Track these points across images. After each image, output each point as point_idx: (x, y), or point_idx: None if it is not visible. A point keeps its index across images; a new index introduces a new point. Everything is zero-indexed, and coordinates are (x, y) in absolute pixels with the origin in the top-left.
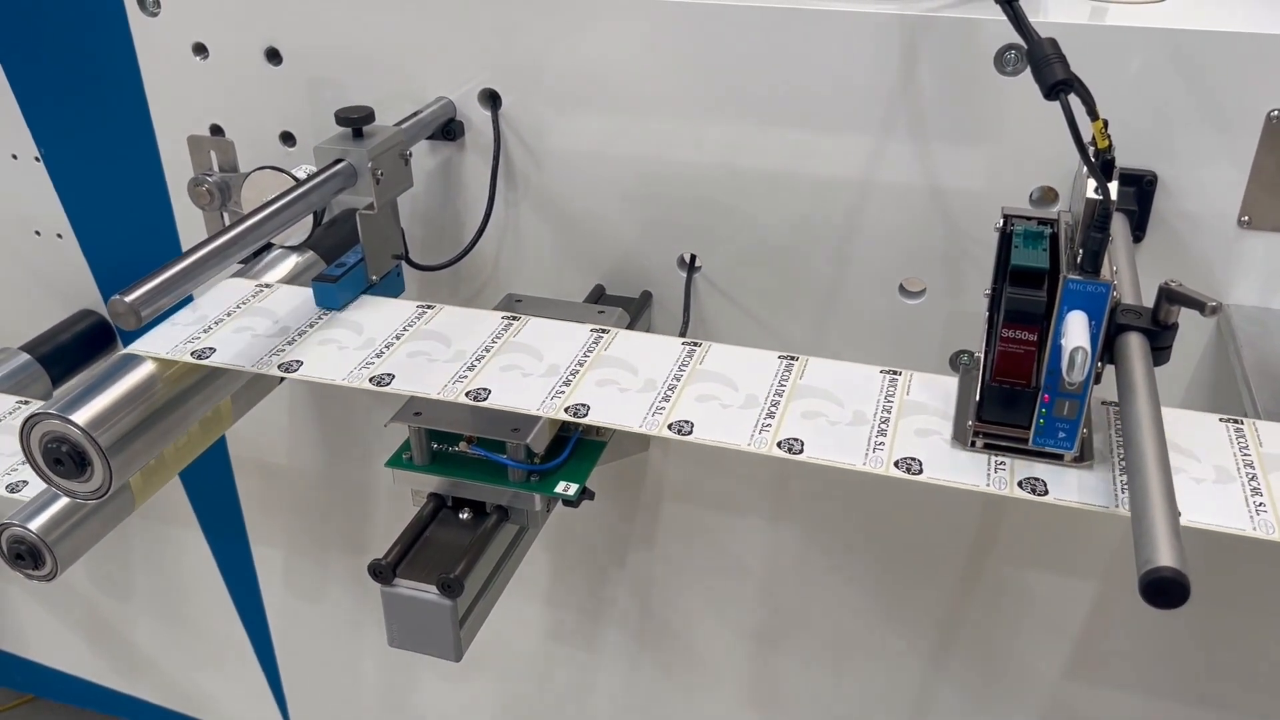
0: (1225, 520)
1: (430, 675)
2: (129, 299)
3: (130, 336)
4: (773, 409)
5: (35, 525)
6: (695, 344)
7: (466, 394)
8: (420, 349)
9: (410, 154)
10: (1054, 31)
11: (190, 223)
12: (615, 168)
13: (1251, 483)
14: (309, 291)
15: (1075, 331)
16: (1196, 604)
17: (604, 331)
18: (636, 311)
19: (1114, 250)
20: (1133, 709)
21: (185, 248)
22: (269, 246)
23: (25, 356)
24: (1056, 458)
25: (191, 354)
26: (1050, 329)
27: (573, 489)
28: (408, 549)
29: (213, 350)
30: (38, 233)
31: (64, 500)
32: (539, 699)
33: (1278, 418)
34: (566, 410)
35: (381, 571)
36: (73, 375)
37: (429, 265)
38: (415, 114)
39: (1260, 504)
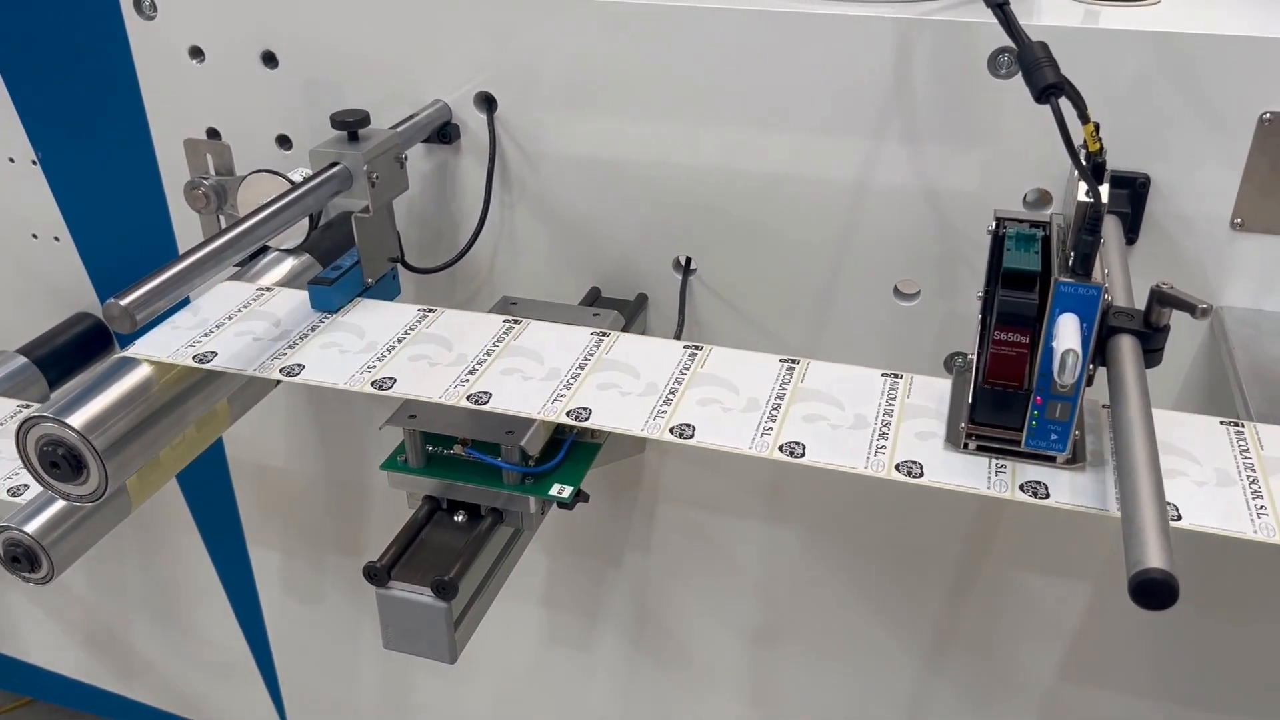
0: (1226, 523)
1: (427, 676)
2: (124, 303)
3: (127, 339)
4: (774, 412)
5: (31, 528)
6: (697, 347)
7: (468, 397)
8: (422, 352)
9: (405, 157)
10: (1047, 34)
11: (187, 226)
12: (611, 171)
13: (1252, 485)
14: (384, 305)
15: (1066, 334)
16: (1192, 605)
17: (604, 335)
18: (632, 314)
19: (1106, 253)
20: (1128, 710)
21: (182, 251)
22: (265, 249)
23: (22, 359)
24: (1049, 460)
25: (193, 358)
26: (1042, 331)
27: (567, 491)
28: (402, 551)
29: (214, 354)
30: (35, 236)
31: (60, 503)
32: (536, 700)
33: (1271, 420)
34: (568, 414)
35: (376, 574)
36: (70, 378)
37: (425, 268)
38: (411, 117)
39: (1261, 507)
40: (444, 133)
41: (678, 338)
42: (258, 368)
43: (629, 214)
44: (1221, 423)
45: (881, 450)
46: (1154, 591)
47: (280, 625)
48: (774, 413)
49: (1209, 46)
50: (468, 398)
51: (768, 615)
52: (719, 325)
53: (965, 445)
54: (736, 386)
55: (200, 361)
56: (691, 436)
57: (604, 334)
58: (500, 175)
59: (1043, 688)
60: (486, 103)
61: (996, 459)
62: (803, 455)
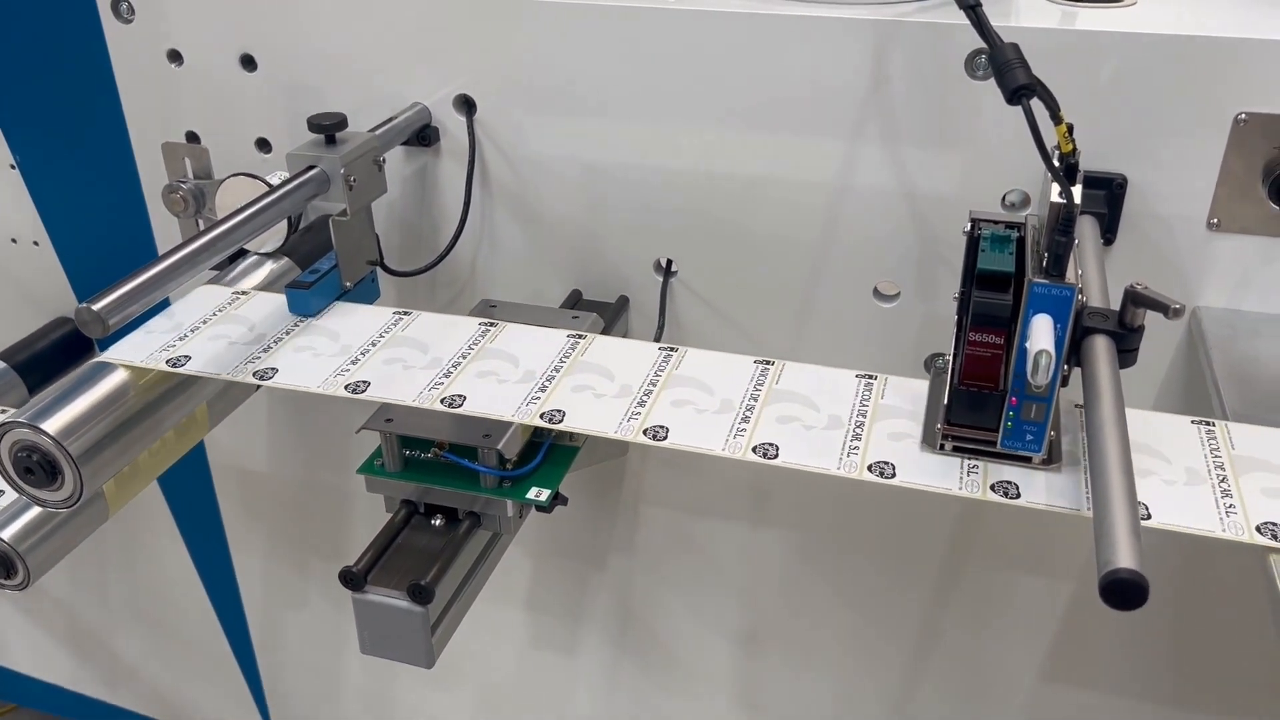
0: (1195, 522)
1: (412, 681)
2: (96, 307)
3: (108, 344)
4: (748, 413)
5: (7, 534)
6: (672, 349)
7: (442, 401)
8: (397, 356)
9: (384, 160)
10: (1025, 36)
11: (167, 230)
12: (591, 173)
13: (1222, 484)
14: (360, 309)
15: (1040, 335)
16: (1172, 604)
17: (581, 337)
18: (613, 316)
19: (1082, 253)
20: (1112, 710)
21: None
22: (244, 253)
23: (1, 365)
24: (1025, 460)
25: (167, 362)
26: (1016, 332)
27: (545, 495)
28: (379, 555)
29: (188, 358)
30: (14, 240)
31: (36, 509)
32: (520, 703)
33: (1246, 419)
34: (542, 416)
35: (353, 578)
36: (50, 384)
37: (404, 271)
38: (389, 120)
39: (1230, 505)
40: (423, 136)
41: (658, 340)
42: (232, 371)
43: (610, 216)
44: (1192, 422)
45: (854, 451)
46: (1123, 591)
47: (264, 630)
48: (748, 414)
49: (1184, 47)
50: (442, 401)
51: (751, 617)
52: (700, 327)
53: (941, 446)
54: (711, 388)
55: (174, 365)
56: (665, 438)
57: (580, 336)
58: (480, 178)
59: (1026, 687)
60: (466, 105)
61: (969, 459)
62: (776, 456)
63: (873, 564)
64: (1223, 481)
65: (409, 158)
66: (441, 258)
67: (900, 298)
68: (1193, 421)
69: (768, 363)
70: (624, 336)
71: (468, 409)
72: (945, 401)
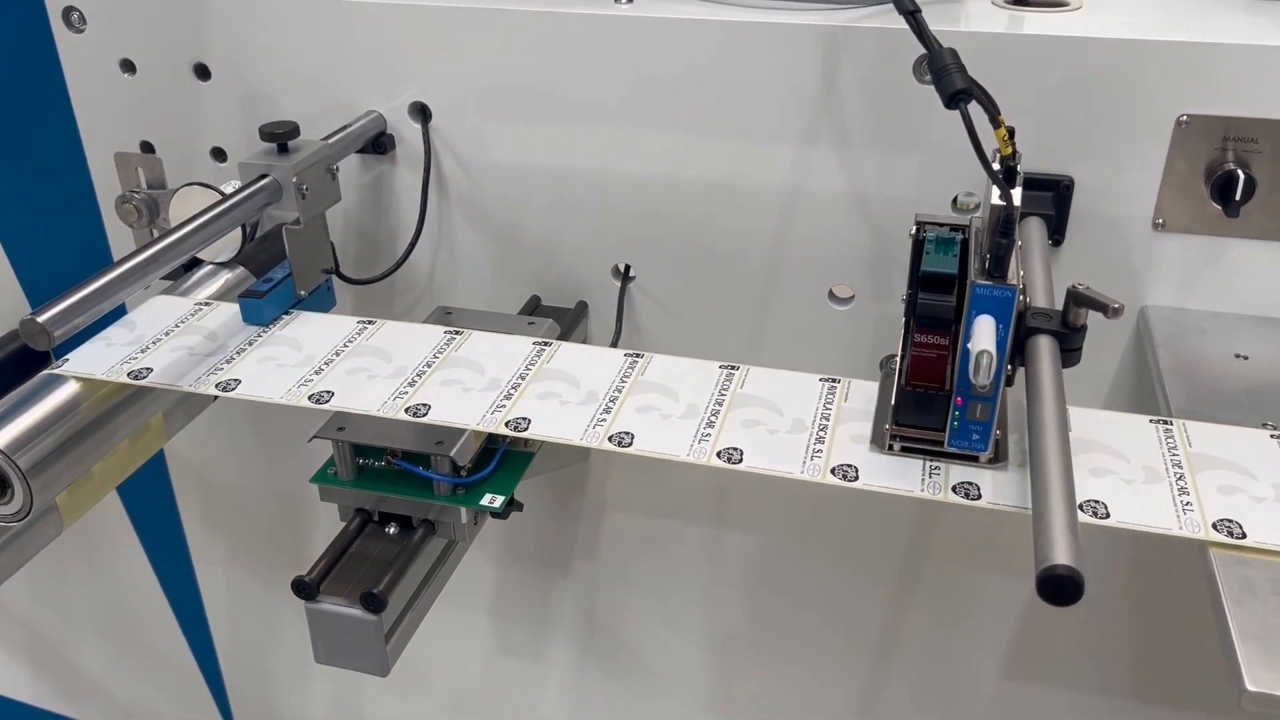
0: (1153, 520)
1: (379, 690)
2: (41, 319)
3: (64, 353)
4: (713, 419)
5: None
6: (637, 355)
7: (406, 410)
8: (360, 365)
9: (337, 168)
10: (973, 41)
11: (123, 240)
12: (549, 179)
13: (1179, 483)
14: (320, 318)
15: (982, 335)
16: (1129, 599)
17: (546, 344)
18: (572, 322)
19: (1028, 255)
20: (1073, 706)
21: None
22: (199, 262)
23: None
24: (972, 459)
25: (128, 374)
26: (960, 333)
27: (499, 501)
28: (332, 565)
29: (149, 370)
30: None
31: None
32: (488, 711)
33: (1191, 415)
34: (507, 424)
35: (305, 588)
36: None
37: (360, 279)
38: (344, 128)
39: (1187, 503)
40: (379, 143)
41: (615, 345)
42: (194, 384)
43: (568, 222)
44: (1150, 420)
45: (818, 454)
46: (1059, 588)
47: (228, 640)
48: (713, 419)
49: (1127, 51)
50: (406, 410)
51: (717, 620)
52: (658, 332)
53: (890, 446)
54: (676, 393)
55: (135, 378)
56: (630, 444)
57: (545, 343)
58: (437, 185)
59: (990, 684)
60: (421, 113)
61: (931, 461)
62: (740, 461)
63: (836, 565)
64: (1180, 479)
65: (365, 166)
66: (398, 265)
67: (855, 300)
68: (1151, 420)
69: (733, 368)
70: (583, 342)
71: (432, 418)
72: (893, 402)
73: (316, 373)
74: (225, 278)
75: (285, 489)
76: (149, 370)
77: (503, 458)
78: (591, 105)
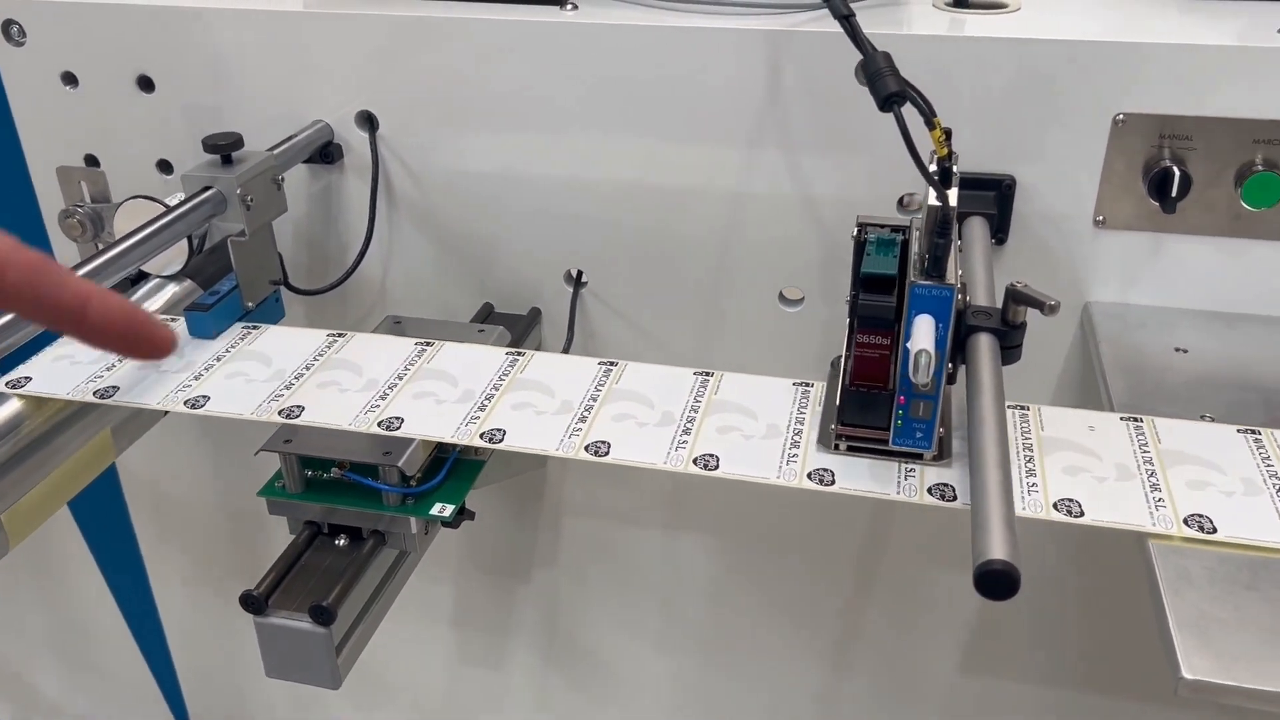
0: (1127, 518)
1: (341, 704)
2: None
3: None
4: (689, 425)
5: None
6: (612, 364)
7: (380, 424)
8: (331, 379)
9: (283, 179)
10: (915, 44)
11: (67, 256)
12: (499, 186)
13: (1151, 479)
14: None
15: (920, 335)
16: (1079, 592)
17: (520, 354)
18: (525, 329)
19: (970, 254)
20: (1030, 699)
21: None
22: (145, 276)
23: None
24: (916, 457)
25: (94, 394)
26: (901, 333)
27: (449, 510)
28: (281, 578)
29: (115, 389)
30: None
31: None
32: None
33: (1133, 410)
34: (482, 436)
35: (253, 602)
36: None
37: (309, 290)
38: (289, 138)
39: (1159, 500)
40: (326, 153)
41: (566, 351)
42: (161, 401)
43: (519, 229)
44: (1122, 418)
45: (794, 459)
46: (996, 582)
47: (187, 657)
48: (689, 425)
49: (1064, 51)
50: (379, 424)
51: (677, 623)
52: (612, 337)
53: (836, 446)
54: (651, 401)
55: (101, 397)
56: (607, 454)
57: (519, 353)
58: (386, 194)
59: (948, 679)
60: (368, 122)
61: (906, 464)
62: (716, 468)
63: (793, 565)
64: (1151, 476)
65: (313, 175)
66: (347, 275)
67: (805, 302)
68: (1122, 418)
69: (707, 374)
70: (537, 348)
71: (405, 431)
72: (838, 402)
73: (287, 388)
74: (172, 291)
75: (241, 502)
76: (115, 389)
77: (453, 466)
78: (539, 112)
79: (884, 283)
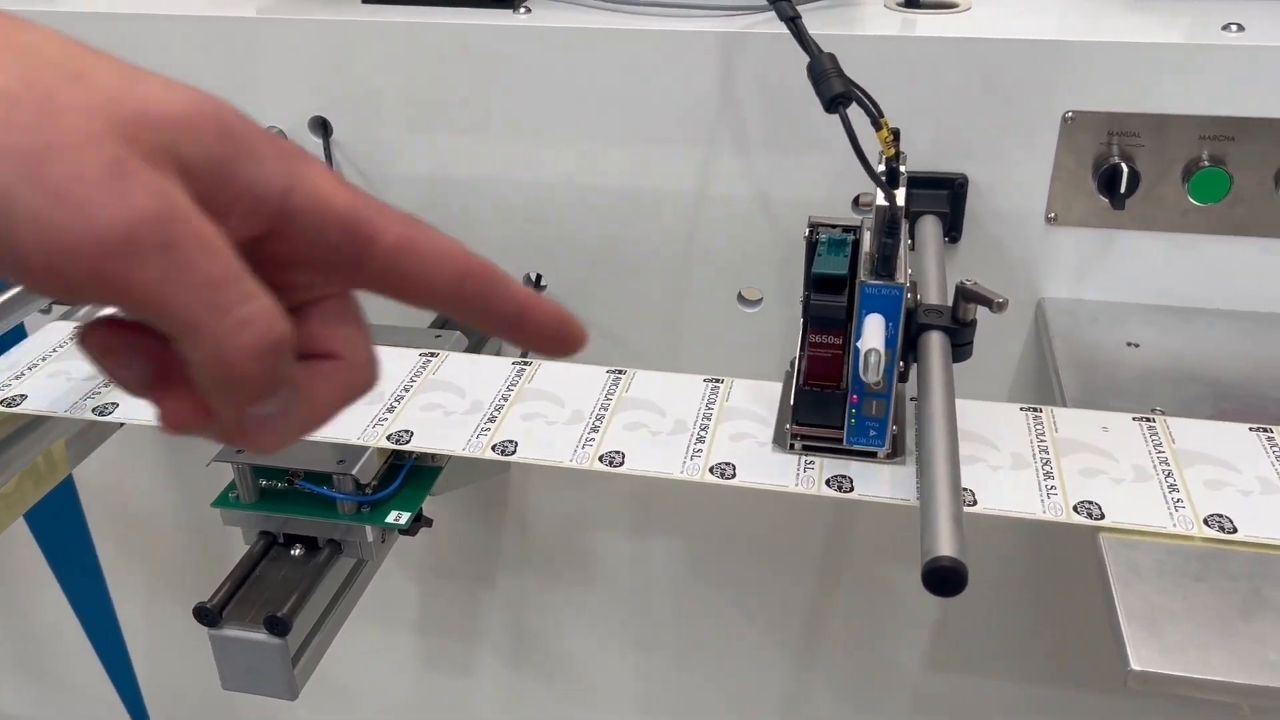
0: (1018, 506)
1: (306, 713)
2: None
3: None
4: (597, 423)
5: None
6: (525, 363)
7: (389, 437)
8: (436, 401)
9: None
10: (866, 44)
11: None
12: (455, 190)
13: (1045, 467)
14: None
15: (870, 333)
16: (1038, 586)
17: (433, 355)
18: (485, 334)
19: (923, 252)
20: (994, 693)
21: None
22: None
23: None
24: (870, 455)
25: (93, 410)
26: (853, 332)
27: (405, 518)
28: (236, 589)
29: (23, 397)
30: None
31: None
32: None
33: (1085, 405)
34: (494, 449)
35: (206, 614)
36: None
37: None
38: None
39: (1052, 487)
40: None
41: (524, 355)
42: (69, 409)
43: (476, 232)
44: (1021, 408)
45: (698, 454)
46: (944, 579)
47: (149, 669)
48: (597, 423)
49: (1014, 50)
50: (388, 437)
51: (644, 624)
52: None
53: (791, 446)
54: (562, 400)
55: (8, 405)
56: (514, 453)
57: (432, 354)
58: None
59: (913, 675)
60: (322, 127)
61: (807, 457)
62: (622, 464)
63: (759, 565)
64: (1046, 465)
65: None
66: None
67: (764, 302)
68: (1021, 408)
69: (620, 371)
70: (496, 354)
71: (415, 444)
72: (792, 402)
73: (390, 410)
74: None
75: (202, 512)
76: (23, 397)
77: (409, 473)
78: (493, 115)
79: (835, 283)
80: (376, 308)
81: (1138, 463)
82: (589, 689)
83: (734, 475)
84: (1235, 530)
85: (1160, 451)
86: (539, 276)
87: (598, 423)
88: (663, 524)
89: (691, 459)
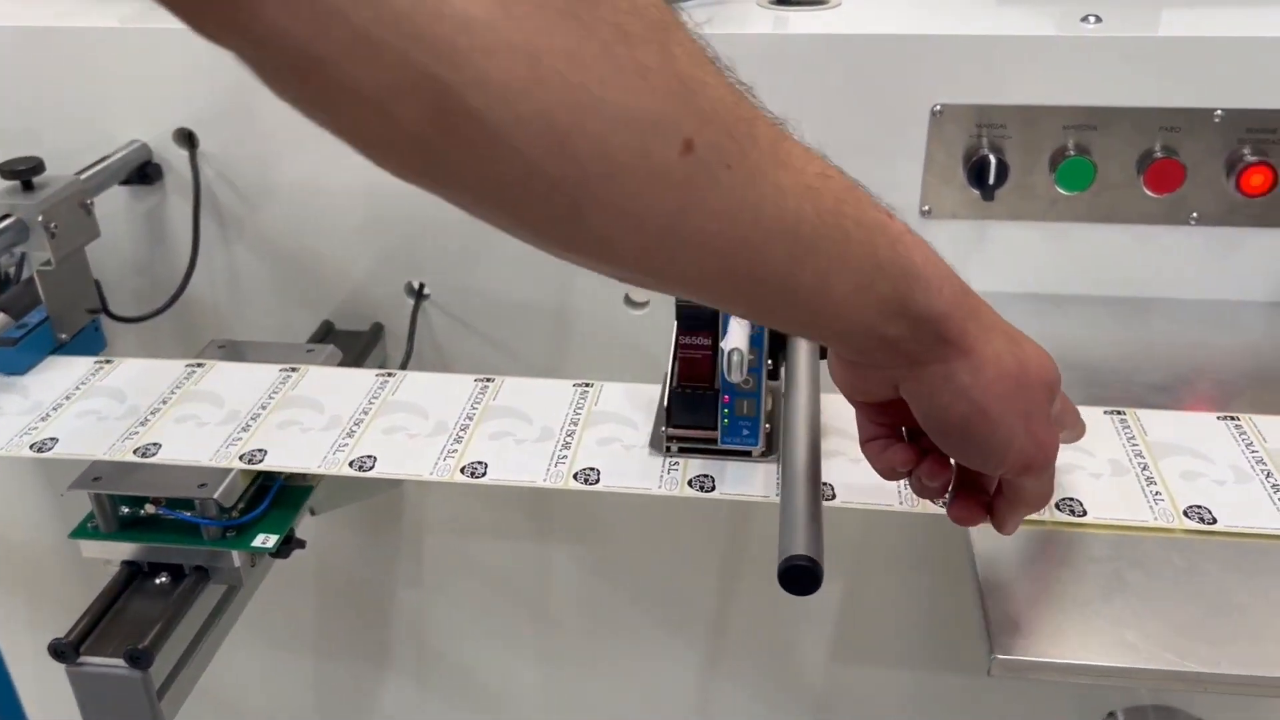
0: (1129, 515)
1: None
2: None
3: None
4: (461, 433)
5: None
6: (389, 374)
7: (241, 457)
8: (190, 412)
9: (92, 203)
10: (742, 41)
11: None
12: (331, 199)
13: (1145, 473)
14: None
15: (733, 334)
16: (930, 577)
17: (293, 370)
18: (366, 345)
19: None
20: (895, 681)
21: None
22: None
23: None
24: (746, 454)
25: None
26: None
27: (272, 541)
28: (95, 623)
29: (54, 441)
30: None
31: None
32: None
33: None
34: (351, 465)
35: (62, 651)
36: None
37: (130, 317)
38: (101, 160)
39: (1157, 493)
40: (145, 174)
41: (404, 367)
42: (6, 446)
43: (356, 242)
44: (1105, 412)
45: (563, 460)
46: (799, 578)
47: (39, 710)
48: (461, 434)
49: (883, 46)
50: (241, 458)
51: (549, 633)
52: (460, 349)
53: (668, 449)
54: (427, 411)
55: (39, 451)
56: (372, 468)
57: (389, 374)
58: (214, 213)
59: (820, 668)
60: (187, 139)
61: (671, 458)
62: (484, 475)
63: (661, 567)
64: (1145, 470)
65: (136, 198)
66: (172, 301)
67: (650, 305)
68: (1105, 412)
69: (488, 380)
70: (381, 365)
71: (269, 464)
72: (665, 405)
73: (143, 424)
74: None
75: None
76: (53, 441)
77: (278, 494)
78: None
79: None
80: (258, 324)
81: (1114, 457)
82: (495, 701)
83: (598, 481)
84: (1215, 521)
85: (1134, 444)
86: (421, 286)
87: (461, 433)
88: (564, 532)
89: (556, 465)
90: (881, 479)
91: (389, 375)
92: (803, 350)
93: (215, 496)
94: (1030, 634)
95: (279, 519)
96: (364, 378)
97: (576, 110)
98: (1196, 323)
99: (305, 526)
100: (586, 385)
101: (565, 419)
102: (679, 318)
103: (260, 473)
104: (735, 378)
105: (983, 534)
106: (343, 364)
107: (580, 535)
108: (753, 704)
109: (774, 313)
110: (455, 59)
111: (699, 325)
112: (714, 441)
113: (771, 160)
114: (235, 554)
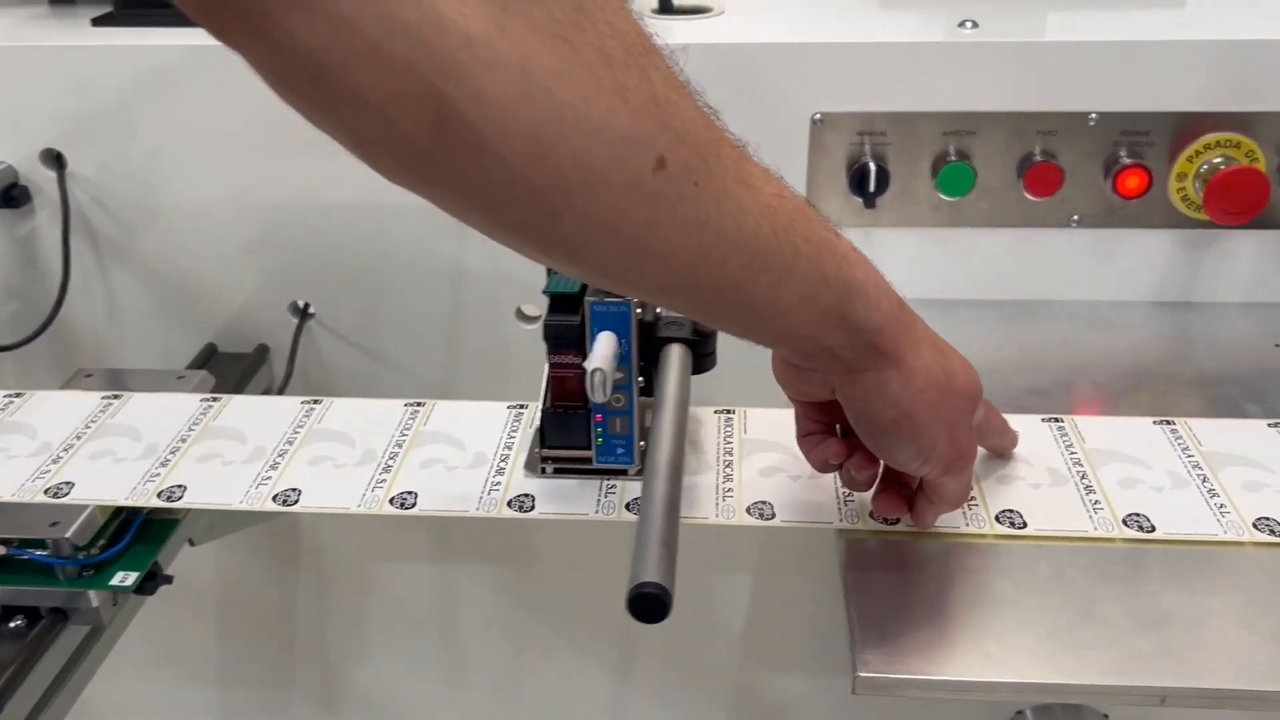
0: (1069, 525)
1: None
2: None
3: None
4: (390, 462)
5: None
6: (315, 402)
7: (47, 491)
8: (106, 448)
9: None
10: None
11: None
12: (208, 219)
13: (1084, 481)
14: None
15: (596, 353)
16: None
17: (215, 399)
18: (250, 368)
19: None
20: (804, 685)
21: None
22: None
23: None
24: (622, 473)
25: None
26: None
27: (132, 578)
28: None
29: (70, 485)
30: None
31: None
32: None
33: None
34: (160, 495)
35: None
36: None
37: (1, 345)
38: None
39: (1096, 502)
40: (10, 197)
41: (282, 391)
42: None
43: (237, 262)
44: (1043, 419)
45: (496, 488)
46: (646, 606)
47: None
48: (390, 463)
49: (763, 55)
50: (46, 491)
51: (456, 654)
52: (347, 370)
53: (543, 470)
54: (354, 439)
55: (54, 496)
56: (296, 502)
57: (215, 398)
58: (87, 236)
59: (731, 676)
60: (55, 160)
61: (608, 481)
62: (414, 506)
63: (565, 581)
64: (1084, 479)
65: (4, 221)
66: (43, 328)
67: (541, 319)
68: (1043, 419)
69: (419, 404)
70: (266, 389)
71: (74, 497)
72: (538, 425)
73: (54, 461)
74: None
75: None
76: (70, 485)
77: (141, 529)
78: (240, 137)
79: (568, 301)
80: (139, 350)
81: (1053, 465)
82: None
83: (533, 508)
84: (1154, 529)
85: (1073, 452)
86: (305, 305)
87: (391, 461)
88: (467, 551)
89: (490, 493)
90: (818, 499)
91: (315, 402)
92: (673, 365)
93: (68, 536)
94: (895, 652)
95: (141, 555)
96: (289, 405)
97: (562, 125)
98: (1080, 324)
99: (200, 554)
100: (521, 407)
101: (499, 443)
102: (546, 337)
103: (119, 507)
104: (599, 397)
105: (853, 543)
106: (219, 389)
107: (484, 555)
108: (667, 714)
109: (725, 318)
110: (456, 72)
111: (567, 344)
112: (589, 461)
113: (734, 179)
114: (92, 594)
